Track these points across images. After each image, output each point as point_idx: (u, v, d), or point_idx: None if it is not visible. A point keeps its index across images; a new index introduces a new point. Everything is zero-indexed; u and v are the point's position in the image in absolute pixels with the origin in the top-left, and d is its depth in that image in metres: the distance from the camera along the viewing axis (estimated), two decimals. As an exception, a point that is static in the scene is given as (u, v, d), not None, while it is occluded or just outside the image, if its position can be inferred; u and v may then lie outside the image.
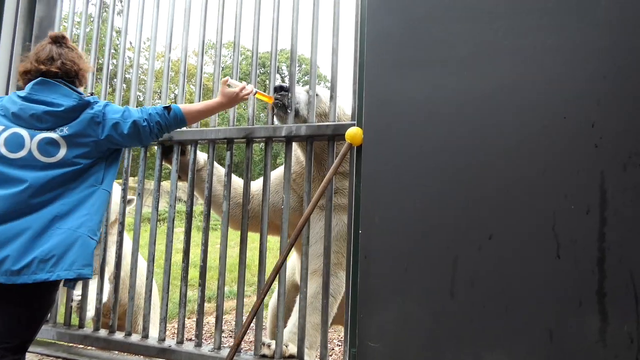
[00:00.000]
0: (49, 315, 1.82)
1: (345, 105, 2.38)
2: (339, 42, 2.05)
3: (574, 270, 1.43)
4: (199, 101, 2.35)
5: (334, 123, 2.02)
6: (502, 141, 1.54)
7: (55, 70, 1.72)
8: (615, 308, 1.39)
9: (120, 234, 2.45)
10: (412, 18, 1.69)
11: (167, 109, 1.82)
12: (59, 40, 1.80)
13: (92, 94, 1.91)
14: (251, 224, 2.30)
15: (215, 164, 2.40)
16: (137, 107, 2.56)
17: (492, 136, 1.55)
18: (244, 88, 1.96)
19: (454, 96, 1.61)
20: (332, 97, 2.06)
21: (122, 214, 2.48)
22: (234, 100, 1.94)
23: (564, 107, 1.49)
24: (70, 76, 1.76)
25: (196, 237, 2.41)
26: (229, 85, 1.94)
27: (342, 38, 2.06)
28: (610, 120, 1.44)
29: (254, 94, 2.06)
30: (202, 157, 2.49)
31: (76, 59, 1.80)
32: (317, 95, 2.24)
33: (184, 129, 2.36)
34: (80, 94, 1.76)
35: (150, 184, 13.21)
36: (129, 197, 2.80)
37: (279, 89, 2.17)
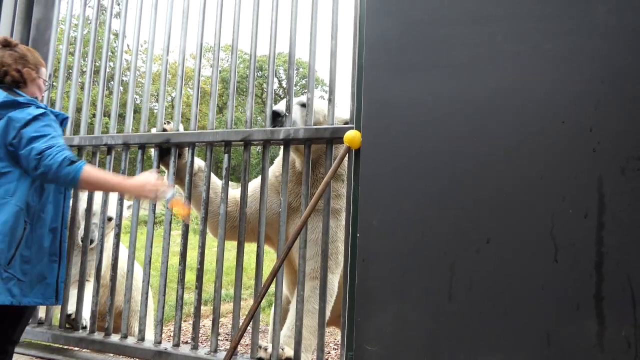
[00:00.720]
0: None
1: (338, 110, 2.38)
2: (337, 45, 2.05)
3: (572, 274, 1.43)
4: (197, 104, 2.35)
5: (332, 126, 2.02)
6: (500, 144, 1.54)
7: None
8: (613, 312, 1.39)
9: (117, 236, 2.43)
10: (411, 21, 1.70)
11: (72, 162, 1.67)
12: (3, 44, 1.87)
13: (35, 97, 1.89)
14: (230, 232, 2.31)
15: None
16: (133, 110, 2.56)
17: (491, 139, 1.56)
18: (158, 190, 1.76)
19: (452, 99, 1.61)
20: (331, 101, 2.06)
21: (119, 216, 2.47)
22: (137, 188, 1.74)
23: (562, 111, 1.49)
24: None
25: (193, 240, 2.40)
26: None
27: (340, 41, 2.06)
28: (608, 124, 1.45)
29: (168, 202, 1.84)
30: (197, 163, 2.44)
31: (7, 60, 1.84)
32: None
33: (182, 131, 2.36)
34: (23, 96, 1.79)
35: (146, 187, 13.15)
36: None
37: (275, 115, 2.15)
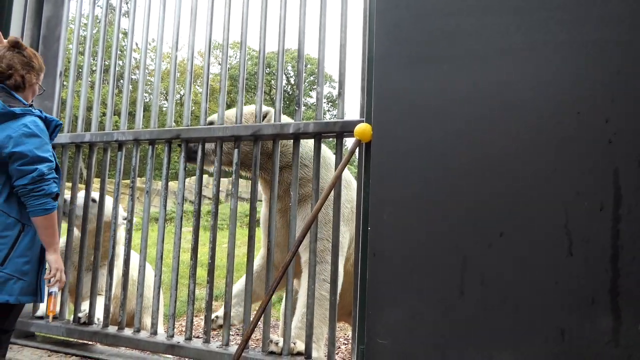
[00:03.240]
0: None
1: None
2: (347, 38, 2.04)
3: (587, 269, 1.41)
4: (206, 100, 2.36)
5: (342, 120, 2.01)
6: (513, 137, 1.52)
7: None
8: (629, 307, 1.37)
9: (129, 231, 2.45)
10: (422, 13, 1.68)
11: (55, 198, 1.83)
12: (13, 45, 1.92)
13: (30, 105, 1.94)
14: None
15: None
16: (143, 109, 2.57)
17: (504, 132, 1.54)
18: (58, 279, 1.90)
19: (464, 92, 1.59)
20: (340, 94, 2.05)
21: (131, 211, 2.49)
22: (56, 262, 1.89)
23: (577, 102, 1.47)
24: (2, 77, 1.87)
25: (203, 236, 2.41)
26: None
27: (350, 34, 2.05)
28: (625, 116, 1.42)
29: (49, 294, 1.95)
30: None
31: (16, 64, 1.90)
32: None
33: (190, 126, 2.37)
34: (20, 101, 1.86)
35: (157, 184, 13.29)
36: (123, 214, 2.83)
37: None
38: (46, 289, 1.95)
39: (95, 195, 2.75)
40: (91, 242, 2.71)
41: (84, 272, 2.62)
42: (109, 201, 2.76)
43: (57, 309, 2.02)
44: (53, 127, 1.96)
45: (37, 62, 2.00)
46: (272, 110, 2.33)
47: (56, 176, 1.87)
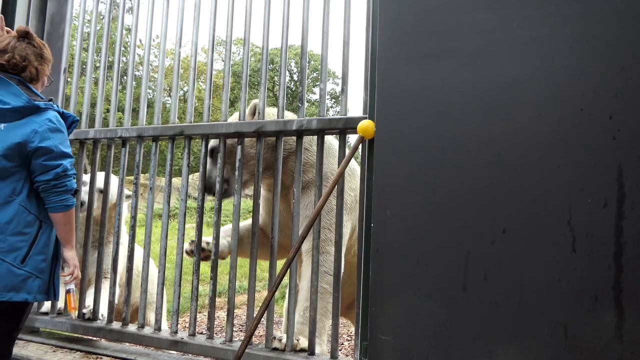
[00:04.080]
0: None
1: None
2: (350, 34, 2.04)
3: (590, 265, 1.41)
4: (210, 97, 2.37)
5: (345, 116, 2.01)
6: (517, 133, 1.52)
7: (2, 62, 1.80)
8: (632, 303, 1.36)
9: (133, 227, 2.46)
10: (425, 8, 1.67)
11: (74, 194, 1.85)
12: (22, 35, 1.88)
13: (50, 100, 1.91)
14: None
15: None
16: (146, 105, 2.58)
17: (507, 128, 1.53)
18: (75, 276, 1.94)
19: (468, 87, 1.59)
20: (344, 90, 2.05)
21: (135, 207, 2.50)
22: (73, 258, 1.92)
23: (581, 98, 1.46)
24: (17, 70, 1.83)
25: (206, 232, 2.42)
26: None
27: (353, 30, 2.05)
28: (629, 112, 1.41)
29: (67, 292, 2.01)
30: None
31: (30, 56, 1.86)
32: None
33: (194, 122, 2.37)
34: (36, 94, 1.84)
35: (160, 181, 13.33)
36: (127, 192, 2.85)
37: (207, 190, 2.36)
38: (62, 286, 1.95)
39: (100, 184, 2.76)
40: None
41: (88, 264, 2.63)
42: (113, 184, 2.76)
43: (77, 304, 2.04)
44: (70, 123, 1.96)
45: (47, 53, 1.97)
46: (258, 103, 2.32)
47: (75, 172, 1.88)
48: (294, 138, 2.30)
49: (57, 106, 1.92)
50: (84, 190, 2.75)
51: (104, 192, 2.60)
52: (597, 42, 1.45)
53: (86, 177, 2.83)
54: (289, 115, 2.39)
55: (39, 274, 1.80)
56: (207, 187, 2.36)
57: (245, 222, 2.62)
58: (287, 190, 2.43)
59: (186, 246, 2.34)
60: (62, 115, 1.91)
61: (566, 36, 1.49)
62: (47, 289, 1.87)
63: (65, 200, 1.81)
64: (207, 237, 2.34)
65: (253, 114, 2.32)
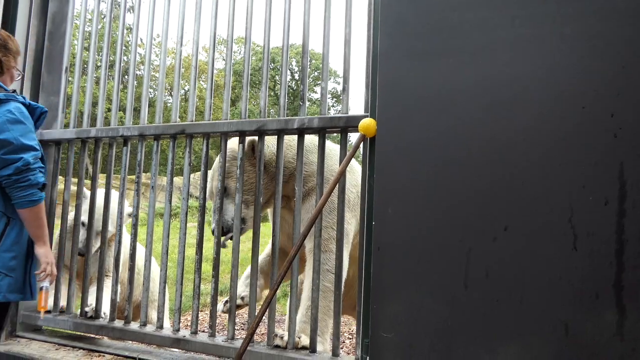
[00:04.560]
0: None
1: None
2: (351, 32, 2.04)
3: (591, 263, 1.41)
4: (211, 95, 2.37)
5: (346, 115, 2.01)
6: (518, 131, 1.52)
7: None
8: (633, 301, 1.37)
9: (134, 226, 2.47)
10: (427, 7, 1.67)
11: (42, 188, 1.77)
12: None
13: (14, 91, 1.86)
14: None
15: None
16: (148, 104, 2.59)
17: (508, 126, 1.53)
18: (50, 273, 1.89)
19: (469, 86, 1.59)
20: (345, 89, 2.05)
21: (136, 206, 2.51)
22: (46, 255, 1.86)
23: (582, 97, 1.46)
24: None
25: (208, 231, 2.43)
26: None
27: (354, 28, 2.05)
28: (630, 110, 1.41)
29: (40, 289, 1.94)
30: None
31: None
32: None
33: (195, 121, 2.38)
34: (1, 86, 1.79)
35: (162, 180, 13.32)
36: (128, 210, 2.87)
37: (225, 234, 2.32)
38: (37, 284, 1.88)
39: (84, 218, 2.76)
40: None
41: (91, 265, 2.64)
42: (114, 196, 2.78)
43: (50, 304, 1.94)
44: (38, 115, 1.88)
45: (13, 44, 1.91)
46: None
47: (42, 166, 1.78)
48: (293, 160, 2.31)
49: (24, 97, 1.86)
50: (84, 209, 2.70)
51: (104, 217, 2.56)
52: (598, 41, 1.46)
53: (86, 192, 2.81)
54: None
55: (9, 272, 1.74)
56: (223, 229, 2.32)
57: (264, 255, 2.63)
58: (289, 203, 2.43)
59: (220, 307, 2.31)
60: (29, 106, 1.84)
61: (567, 35, 1.49)
62: (22, 287, 1.82)
63: (30, 196, 1.72)
64: (242, 291, 2.36)
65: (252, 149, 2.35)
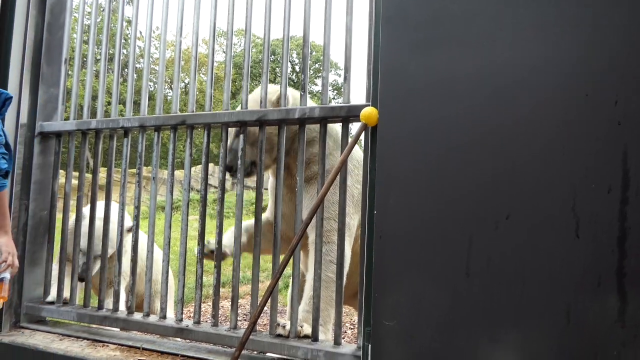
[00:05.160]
0: None
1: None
2: (352, 21, 2.02)
3: (593, 250, 1.41)
4: (211, 87, 2.36)
5: (348, 104, 2.01)
6: (521, 119, 1.51)
7: None
8: (635, 288, 1.36)
9: (137, 217, 2.48)
10: (428, -6, 1.66)
11: (4, 176, 1.72)
12: None
13: None
14: None
15: None
16: (148, 97, 2.57)
17: (511, 114, 1.52)
18: (10, 264, 1.84)
19: (472, 74, 1.58)
20: (346, 78, 2.04)
21: (138, 198, 2.51)
22: (6, 245, 1.80)
23: (585, 84, 1.45)
24: None
25: (209, 224, 2.43)
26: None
27: (356, 17, 2.03)
28: (634, 97, 1.40)
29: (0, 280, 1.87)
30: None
31: None
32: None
33: (196, 112, 2.37)
34: None
35: (162, 173, 13.33)
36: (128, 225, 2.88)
37: (228, 169, 2.34)
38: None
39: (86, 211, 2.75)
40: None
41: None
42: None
43: (7, 294, 1.88)
44: (2, 101, 1.83)
45: None
46: (282, 91, 2.28)
47: (5, 152, 1.72)
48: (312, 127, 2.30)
49: None
50: (83, 232, 2.66)
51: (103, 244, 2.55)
52: (602, 27, 1.44)
53: (85, 210, 2.79)
54: (311, 104, 2.38)
55: None
56: (228, 167, 2.35)
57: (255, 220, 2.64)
58: (293, 180, 2.44)
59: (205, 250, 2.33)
60: None
61: (571, 21, 1.47)
62: None
63: None
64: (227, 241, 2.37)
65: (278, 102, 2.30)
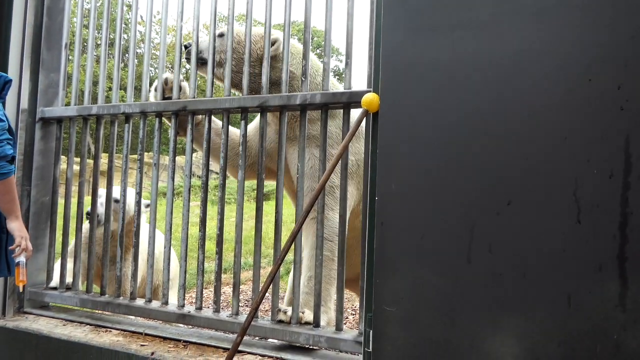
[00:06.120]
0: None
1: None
2: (354, 5, 2.00)
3: (595, 235, 1.41)
4: (212, 72, 2.34)
5: (349, 90, 1.99)
6: (523, 105, 1.50)
7: None
8: (636, 273, 1.37)
9: (138, 203, 2.48)
10: (431, -23, 1.63)
11: (10, 161, 1.71)
12: None
13: None
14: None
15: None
16: (149, 82, 2.55)
17: (513, 100, 1.51)
18: (25, 248, 1.85)
19: (474, 60, 1.56)
20: (348, 64, 2.03)
21: (139, 183, 2.51)
22: (20, 231, 1.82)
23: (588, 69, 1.44)
24: None
25: (211, 210, 2.44)
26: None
27: (357, 2, 2.01)
28: (638, 82, 1.39)
29: (17, 264, 1.90)
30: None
31: None
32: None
33: (197, 98, 2.36)
34: None
35: (164, 159, 13.32)
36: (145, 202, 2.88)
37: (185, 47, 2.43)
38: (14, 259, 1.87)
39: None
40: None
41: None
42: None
43: (26, 278, 1.93)
44: (2, 84, 1.83)
45: None
46: (280, 37, 2.30)
47: (10, 137, 1.73)
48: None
49: None
50: (100, 209, 2.71)
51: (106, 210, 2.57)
52: (605, 11, 1.42)
53: (102, 192, 2.81)
54: (336, 84, 2.38)
55: None
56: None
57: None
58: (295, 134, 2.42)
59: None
60: None
61: (574, 5, 1.45)
62: None
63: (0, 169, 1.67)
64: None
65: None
